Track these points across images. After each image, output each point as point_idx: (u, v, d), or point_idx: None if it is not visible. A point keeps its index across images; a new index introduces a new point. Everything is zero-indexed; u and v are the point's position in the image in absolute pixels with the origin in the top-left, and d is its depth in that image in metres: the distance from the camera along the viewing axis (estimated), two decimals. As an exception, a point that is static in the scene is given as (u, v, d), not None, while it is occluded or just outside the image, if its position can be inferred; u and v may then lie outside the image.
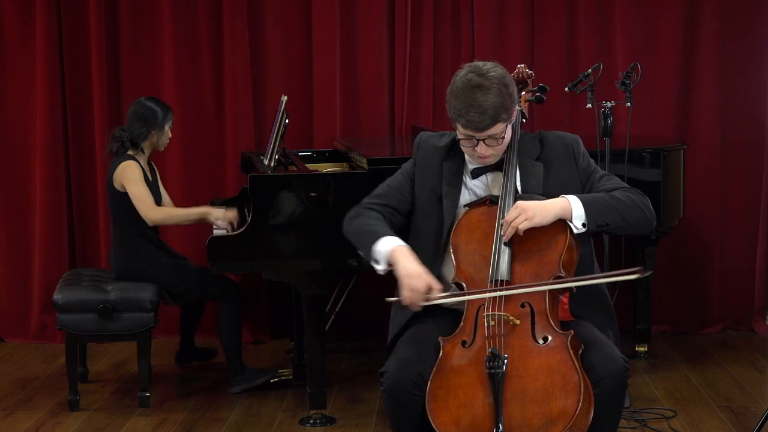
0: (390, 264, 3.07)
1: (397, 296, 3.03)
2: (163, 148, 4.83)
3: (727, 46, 5.54)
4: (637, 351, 5.13)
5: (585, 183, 3.18)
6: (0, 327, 5.80)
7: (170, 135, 4.81)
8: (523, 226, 2.97)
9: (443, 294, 3.02)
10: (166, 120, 4.73)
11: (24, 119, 5.67)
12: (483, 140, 3.04)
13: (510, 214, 3.00)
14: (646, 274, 2.92)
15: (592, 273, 3.19)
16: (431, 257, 3.13)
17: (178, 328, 5.16)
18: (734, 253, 5.65)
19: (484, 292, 2.98)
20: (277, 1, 5.64)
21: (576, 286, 3.03)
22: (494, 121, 3.00)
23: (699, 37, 5.54)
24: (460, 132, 3.07)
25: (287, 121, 4.67)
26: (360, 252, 3.19)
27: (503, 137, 3.07)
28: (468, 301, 3.01)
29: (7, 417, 4.52)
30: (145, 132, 4.69)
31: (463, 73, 3.06)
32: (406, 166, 3.31)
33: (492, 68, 3.05)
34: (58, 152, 5.65)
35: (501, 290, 2.96)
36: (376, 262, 3.10)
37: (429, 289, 2.98)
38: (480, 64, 3.07)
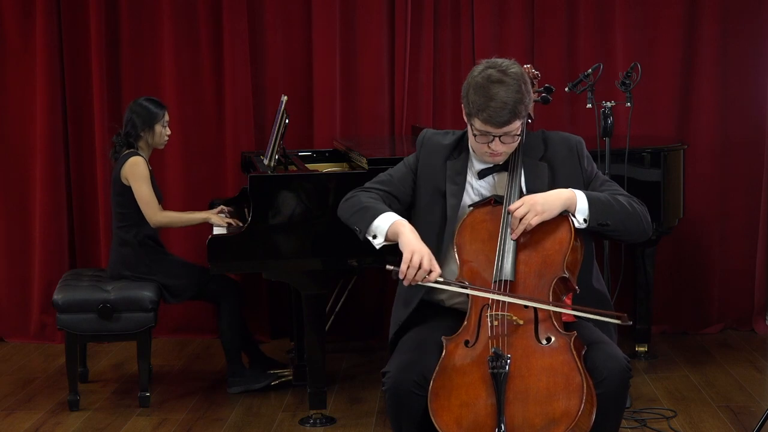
0: (390, 239, 3.05)
1: (397, 268, 2.98)
2: (162, 146, 4.82)
3: (727, 46, 5.54)
4: (637, 351, 5.13)
5: (587, 187, 3.17)
6: (0, 327, 5.80)
7: (168, 132, 4.77)
8: (534, 221, 2.97)
9: (441, 280, 2.99)
10: (156, 119, 4.70)
11: (24, 119, 5.67)
12: (499, 137, 3.04)
13: (519, 211, 2.98)
14: (627, 323, 2.94)
15: (591, 274, 3.19)
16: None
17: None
18: (734, 253, 5.65)
19: (485, 291, 2.96)
20: (277, 1, 5.63)
21: (570, 313, 3.02)
22: (513, 117, 2.99)
23: (699, 37, 5.54)
24: (477, 128, 3.04)
25: (287, 121, 4.67)
26: (355, 227, 3.14)
27: (518, 134, 3.06)
28: (472, 300, 3.01)
29: (7, 417, 4.52)
30: (136, 131, 4.68)
31: (482, 68, 3.05)
32: (409, 159, 3.30)
33: (511, 65, 3.05)
34: (58, 152, 5.65)
35: (497, 294, 2.94)
36: (374, 236, 3.08)
37: (429, 271, 2.96)
38: (498, 60, 3.07)
